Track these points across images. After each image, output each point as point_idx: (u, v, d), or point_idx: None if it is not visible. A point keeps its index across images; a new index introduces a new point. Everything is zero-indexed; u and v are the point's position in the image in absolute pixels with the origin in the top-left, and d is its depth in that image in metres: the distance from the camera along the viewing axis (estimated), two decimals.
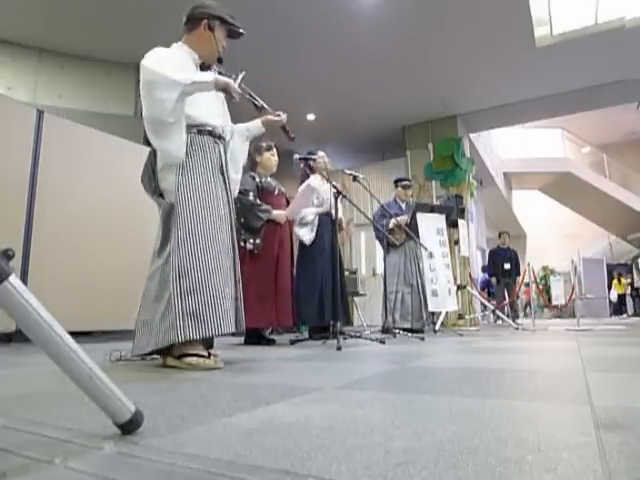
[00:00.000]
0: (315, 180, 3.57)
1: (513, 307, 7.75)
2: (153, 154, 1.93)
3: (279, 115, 2.27)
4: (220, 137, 2.03)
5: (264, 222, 3.12)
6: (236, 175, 2.24)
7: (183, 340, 1.67)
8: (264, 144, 3.32)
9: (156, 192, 1.91)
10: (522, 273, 7.60)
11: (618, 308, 13.36)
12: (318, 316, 3.43)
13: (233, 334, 3.44)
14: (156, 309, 1.77)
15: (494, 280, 7.81)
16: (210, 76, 1.87)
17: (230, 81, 1.89)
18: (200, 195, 1.84)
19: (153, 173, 1.93)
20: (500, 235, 8.19)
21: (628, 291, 13.38)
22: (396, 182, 4.90)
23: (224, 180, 2.00)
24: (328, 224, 3.60)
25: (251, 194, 3.13)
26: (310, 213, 3.58)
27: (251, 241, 3.10)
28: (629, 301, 13.45)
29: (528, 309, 11.52)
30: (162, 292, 1.76)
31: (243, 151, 2.30)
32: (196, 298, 1.70)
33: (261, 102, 2.19)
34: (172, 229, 1.80)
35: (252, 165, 3.31)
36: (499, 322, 7.61)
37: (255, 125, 2.28)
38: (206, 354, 1.78)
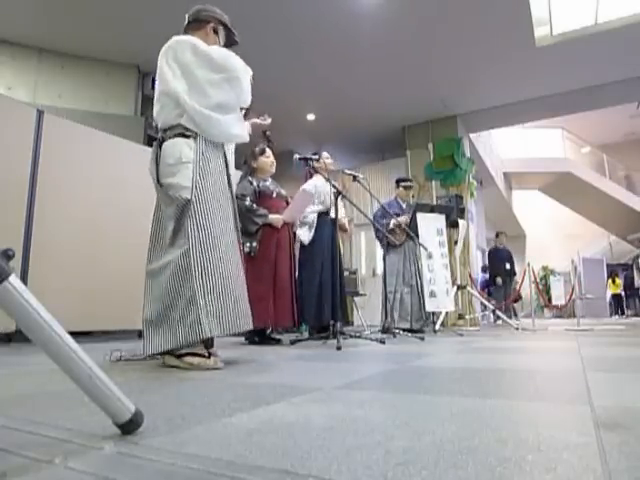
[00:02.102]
0: (317, 181, 3.59)
1: (511, 308, 7.75)
2: (158, 147, 1.92)
3: (264, 118, 2.32)
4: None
5: (260, 226, 3.16)
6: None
7: (207, 337, 1.70)
8: (257, 149, 3.35)
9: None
10: (522, 273, 7.60)
11: (616, 308, 13.38)
12: (317, 316, 3.44)
13: (233, 334, 3.45)
14: (173, 304, 1.74)
15: (499, 280, 7.75)
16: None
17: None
18: (214, 195, 1.87)
19: (156, 169, 1.92)
20: (498, 235, 8.18)
21: (623, 292, 13.38)
22: (397, 182, 4.90)
23: (228, 180, 2.02)
24: (328, 224, 3.61)
25: (248, 199, 3.18)
26: (310, 212, 3.60)
27: (247, 244, 3.14)
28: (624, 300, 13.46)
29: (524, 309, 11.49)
30: (180, 287, 1.73)
31: (232, 149, 2.32)
32: (218, 297, 1.74)
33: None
34: (187, 226, 1.78)
35: (250, 171, 3.34)
36: (498, 322, 7.60)
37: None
38: (206, 354, 1.78)
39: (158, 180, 1.90)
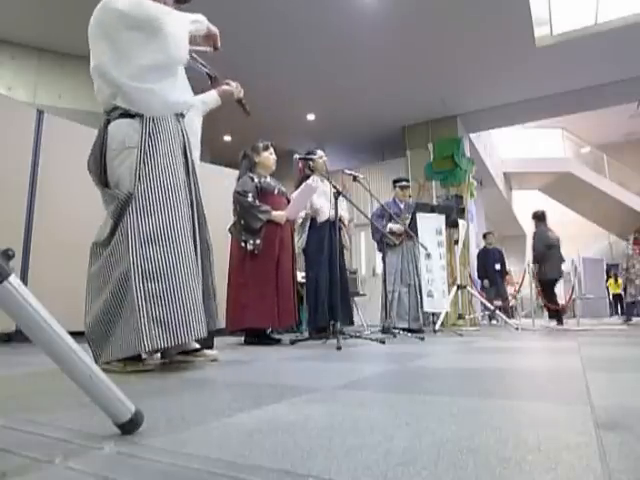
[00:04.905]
0: (316, 181, 3.59)
1: (506, 309, 7.71)
2: (103, 134, 1.73)
3: (231, 85, 2.09)
4: (182, 114, 1.83)
5: (264, 223, 3.13)
6: (196, 152, 1.94)
7: (151, 349, 1.50)
8: (261, 144, 3.32)
9: (107, 184, 1.72)
10: (522, 273, 7.59)
11: (616, 308, 13.36)
12: (317, 316, 3.44)
13: (232, 334, 3.43)
14: (115, 312, 1.59)
15: (486, 282, 7.71)
16: (202, 17, 1.75)
17: (216, 29, 1.78)
18: (163, 184, 1.63)
19: (101, 158, 1.71)
20: (485, 236, 8.07)
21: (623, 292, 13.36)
22: (394, 182, 4.94)
23: (186, 163, 1.79)
24: (328, 224, 3.61)
25: (250, 195, 3.14)
26: (299, 217, 3.58)
27: (251, 242, 3.11)
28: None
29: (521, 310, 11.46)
30: (119, 292, 1.58)
31: (198, 126, 2.01)
32: (164, 303, 1.52)
33: (214, 71, 2.04)
34: (127, 223, 1.59)
35: (251, 166, 3.31)
36: (493, 322, 7.60)
37: (211, 97, 2.04)
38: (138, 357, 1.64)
39: (102, 172, 1.71)
